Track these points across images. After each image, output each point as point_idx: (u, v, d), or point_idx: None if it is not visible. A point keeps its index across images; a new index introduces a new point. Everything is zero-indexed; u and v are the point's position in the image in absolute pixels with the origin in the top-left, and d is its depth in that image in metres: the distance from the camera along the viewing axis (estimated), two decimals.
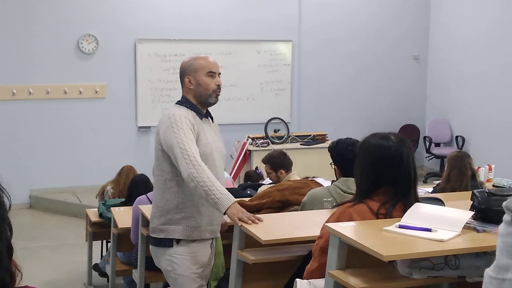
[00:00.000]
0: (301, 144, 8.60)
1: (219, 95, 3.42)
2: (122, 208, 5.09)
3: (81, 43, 8.78)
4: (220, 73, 3.44)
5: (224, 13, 9.39)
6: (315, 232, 2.85)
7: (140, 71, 9.07)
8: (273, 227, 3.22)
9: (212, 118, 3.50)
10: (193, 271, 3.37)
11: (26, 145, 8.64)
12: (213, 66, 3.40)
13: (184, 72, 3.41)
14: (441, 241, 2.42)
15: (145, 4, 9.05)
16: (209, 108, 3.48)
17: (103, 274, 5.72)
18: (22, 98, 8.59)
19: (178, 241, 3.35)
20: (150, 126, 9.06)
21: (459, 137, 9.75)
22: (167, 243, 3.36)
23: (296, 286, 2.66)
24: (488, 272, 2.02)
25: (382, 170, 2.66)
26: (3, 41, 8.45)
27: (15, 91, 8.54)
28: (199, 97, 3.38)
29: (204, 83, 3.36)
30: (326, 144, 7.98)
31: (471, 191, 3.20)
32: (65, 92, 8.78)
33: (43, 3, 8.62)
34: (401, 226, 2.51)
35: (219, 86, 3.39)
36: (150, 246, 3.50)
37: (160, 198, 3.38)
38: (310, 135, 8.78)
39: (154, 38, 9.05)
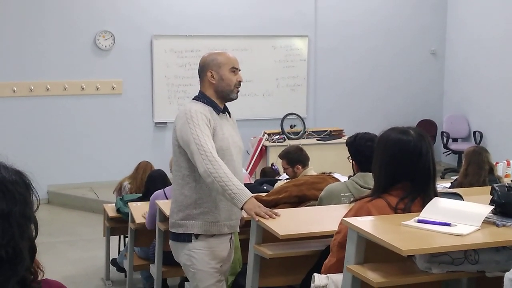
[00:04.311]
0: (317, 140, 8.58)
1: (239, 91, 3.43)
2: (139, 203, 5.12)
3: (98, 40, 8.82)
4: (240, 70, 3.45)
5: (240, 8, 9.38)
6: (332, 227, 2.84)
7: (156, 67, 9.10)
8: (290, 222, 3.22)
9: (229, 114, 3.50)
10: (212, 266, 3.38)
11: (43, 141, 8.70)
12: (235, 62, 3.42)
13: (207, 67, 3.40)
14: (460, 235, 2.40)
15: (161, 0, 9.06)
16: (226, 104, 3.48)
17: (120, 269, 5.75)
18: (40, 94, 8.65)
19: (197, 236, 3.35)
20: (166, 122, 9.09)
21: (476, 133, 9.68)
22: (186, 238, 3.37)
23: (314, 281, 2.65)
24: (509, 275, 2.00)
25: (401, 165, 2.64)
26: (20, 38, 8.50)
27: (32, 88, 8.60)
28: (220, 92, 3.38)
29: (227, 79, 3.37)
30: (343, 140, 7.97)
31: (489, 186, 3.19)
32: (82, 88, 8.83)
33: (60, 0, 8.67)
34: (420, 221, 2.50)
35: (240, 82, 3.41)
36: (170, 241, 3.51)
37: (178, 194, 3.39)
38: (327, 130, 8.76)
39: (170, 34, 9.07)
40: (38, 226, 1.41)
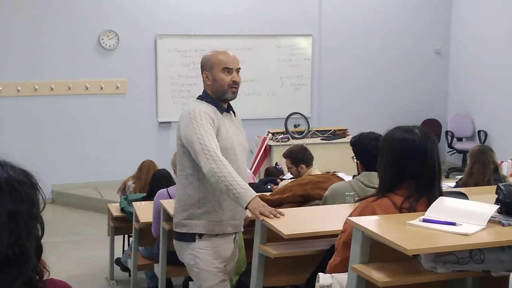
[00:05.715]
0: (321, 139, 8.57)
1: (236, 91, 3.37)
2: (143, 203, 5.12)
3: (102, 39, 8.83)
4: (239, 69, 3.40)
5: (244, 8, 9.38)
6: (337, 226, 2.84)
7: (160, 67, 9.10)
8: (295, 221, 3.21)
9: (234, 113, 3.49)
10: (216, 266, 3.38)
11: (48, 141, 8.71)
12: (231, 62, 3.36)
13: (202, 68, 3.42)
14: (465, 235, 2.40)
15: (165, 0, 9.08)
16: (230, 103, 3.47)
17: (125, 268, 5.76)
18: (44, 94, 8.66)
19: (201, 235, 3.35)
20: (170, 122, 9.10)
21: (481, 132, 9.66)
22: (189, 237, 3.37)
23: (319, 280, 2.64)
24: None
25: (406, 164, 2.63)
26: (24, 38, 8.51)
27: (37, 87, 8.61)
28: (215, 93, 3.37)
29: (219, 79, 3.34)
30: (347, 139, 7.96)
31: (494, 185, 3.18)
32: (87, 88, 8.84)
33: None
34: (425, 220, 2.49)
35: (234, 82, 3.35)
36: (174, 241, 3.51)
37: (182, 193, 3.39)
38: (331, 130, 8.75)
39: (174, 33, 9.08)
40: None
